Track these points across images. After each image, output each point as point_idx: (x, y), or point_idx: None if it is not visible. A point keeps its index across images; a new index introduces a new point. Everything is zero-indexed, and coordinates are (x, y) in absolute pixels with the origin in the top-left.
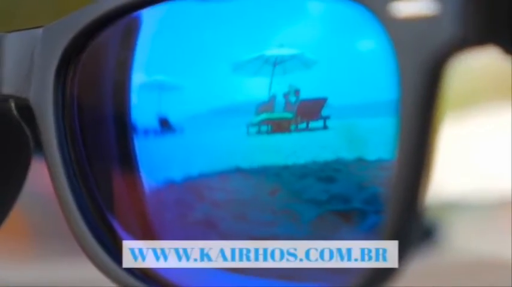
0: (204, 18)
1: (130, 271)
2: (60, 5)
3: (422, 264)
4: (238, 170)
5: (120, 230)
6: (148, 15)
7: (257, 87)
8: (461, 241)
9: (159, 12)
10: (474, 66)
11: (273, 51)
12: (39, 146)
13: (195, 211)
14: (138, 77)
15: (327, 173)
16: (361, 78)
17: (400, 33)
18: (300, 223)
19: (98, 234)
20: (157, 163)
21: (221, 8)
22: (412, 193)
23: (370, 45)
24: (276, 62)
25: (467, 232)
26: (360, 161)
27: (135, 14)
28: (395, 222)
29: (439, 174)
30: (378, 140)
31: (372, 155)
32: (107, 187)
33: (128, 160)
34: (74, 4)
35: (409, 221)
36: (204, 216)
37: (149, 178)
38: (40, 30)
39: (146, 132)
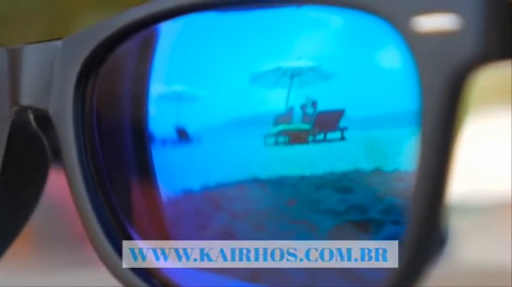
0: (222, 30)
1: (150, 281)
2: (56, 6)
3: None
4: (256, 181)
5: (138, 240)
6: (167, 28)
7: (275, 99)
8: (465, 246)
9: (177, 24)
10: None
11: (291, 64)
12: (56, 157)
13: (213, 220)
14: (156, 88)
15: (344, 183)
16: (379, 91)
17: (422, 47)
18: (317, 233)
19: (116, 243)
20: (176, 173)
21: (239, 20)
22: (433, 203)
23: (390, 58)
24: (294, 74)
25: (471, 236)
26: (377, 171)
27: (154, 26)
28: (415, 232)
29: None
30: (395, 151)
31: (389, 166)
32: (126, 197)
33: (146, 170)
34: (69, 5)
35: (429, 232)
36: (221, 226)
37: (167, 188)
38: (60, 42)
39: (165, 142)
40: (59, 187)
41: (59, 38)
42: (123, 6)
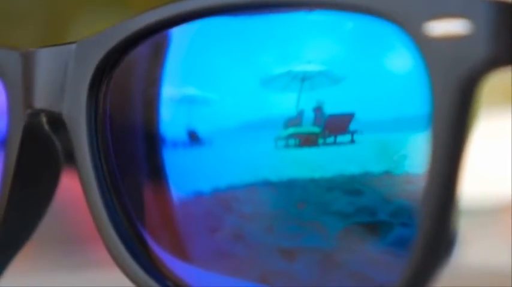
0: (233, 35)
1: (162, 282)
2: (53, 6)
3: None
4: (266, 183)
5: (150, 241)
6: (179, 32)
7: (285, 102)
8: (467, 248)
9: (189, 29)
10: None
11: (302, 67)
12: (69, 160)
13: (224, 222)
14: (168, 92)
15: (354, 186)
16: (389, 95)
17: (433, 51)
18: (327, 235)
19: (130, 245)
20: (187, 175)
21: (250, 24)
22: (443, 206)
23: (401, 62)
24: (304, 78)
25: (473, 238)
26: (387, 174)
27: (166, 31)
28: (425, 235)
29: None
30: (404, 155)
31: (398, 169)
32: (139, 199)
33: (158, 173)
34: (66, 5)
35: (439, 234)
36: (232, 228)
37: (179, 191)
38: (73, 45)
39: (176, 145)
40: (70, 189)
41: (73, 42)
42: (120, 6)
